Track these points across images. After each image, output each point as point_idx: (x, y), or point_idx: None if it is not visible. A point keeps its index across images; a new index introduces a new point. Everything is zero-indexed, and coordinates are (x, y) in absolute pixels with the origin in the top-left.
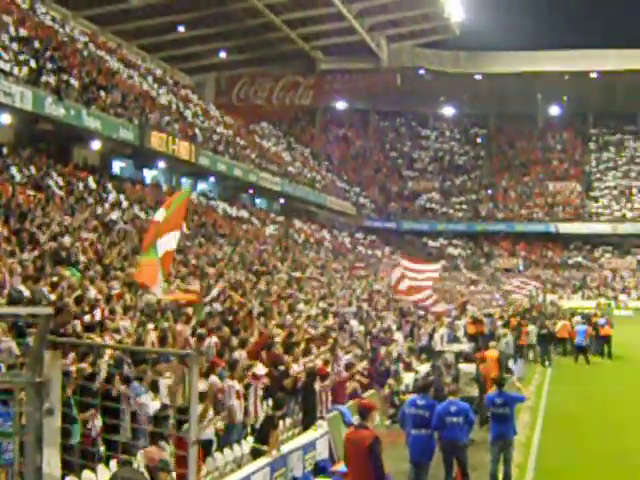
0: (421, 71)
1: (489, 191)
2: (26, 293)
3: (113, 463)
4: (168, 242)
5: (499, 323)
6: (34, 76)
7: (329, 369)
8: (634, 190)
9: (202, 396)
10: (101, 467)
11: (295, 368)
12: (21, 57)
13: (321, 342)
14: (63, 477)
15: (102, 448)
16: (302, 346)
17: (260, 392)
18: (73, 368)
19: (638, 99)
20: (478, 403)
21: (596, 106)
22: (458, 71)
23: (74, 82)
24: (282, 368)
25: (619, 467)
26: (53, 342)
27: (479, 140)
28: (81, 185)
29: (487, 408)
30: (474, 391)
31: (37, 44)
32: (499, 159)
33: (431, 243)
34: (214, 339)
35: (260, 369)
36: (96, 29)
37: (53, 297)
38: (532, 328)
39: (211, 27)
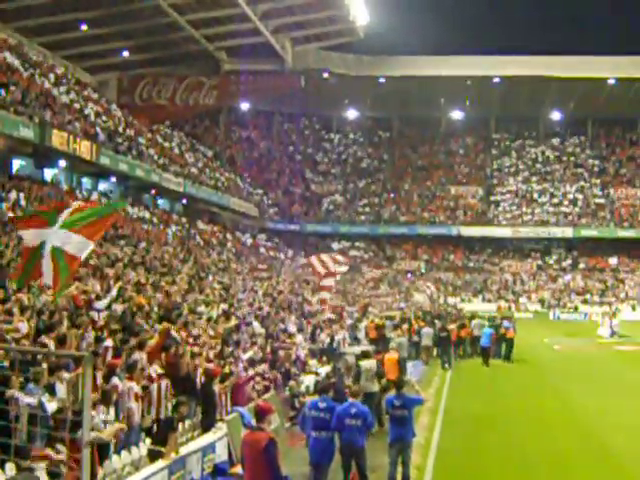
0: (325, 74)
1: (392, 194)
2: None
3: (8, 466)
4: (85, 247)
5: (388, 324)
6: None
7: (227, 370)
8: (534, 195)
9: (105, 397)
10: None
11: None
12: None
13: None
14: None
15: None
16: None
17: (155, 394)
18: None
19: (539, 105)
20: (379, 401)
21: (498, 111)
22: (362, 74)
23: None
24: (182, 370)
25: (514, 466)
26: None
27: (383, 143)
28: None
29: (386, 410)
30: (375, 387)
31: None
32: (402, 162)
33: (334, 245)
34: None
35: (157, 370)
36: None
37: None
38: (428, 330)
39: (114, 26)
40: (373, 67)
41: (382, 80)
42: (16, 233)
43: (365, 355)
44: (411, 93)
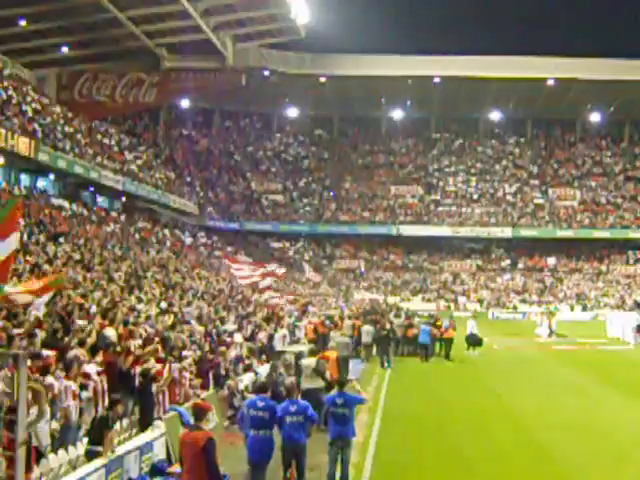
0: (266, 72)
1: (332, 193)
2: None
3: None
4: (9, 244)
5: (328, 323)
6: None
7: (166, 370)
8: (474, 195)
9: (34, 396)
10: None
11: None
12: None
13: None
14: None
15: None
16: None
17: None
18: None
19: (479, 105)
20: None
21: (438, 111)
22: (303, 72)
23: None
24: (120, 367)
25: (453, 465)
26: None
27: (323, 142)
28: None
29: (327, 407)
30: (319, 382)
31: None
32: (343, 162)
33: (274, 244)
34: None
35: (91, 368)
36: None
37: None
38: (367, 328)
39: (54, 21)
40: (314, 66)
41: (323, 79)
42: None
43: (311, 352)
44: (352, 92)
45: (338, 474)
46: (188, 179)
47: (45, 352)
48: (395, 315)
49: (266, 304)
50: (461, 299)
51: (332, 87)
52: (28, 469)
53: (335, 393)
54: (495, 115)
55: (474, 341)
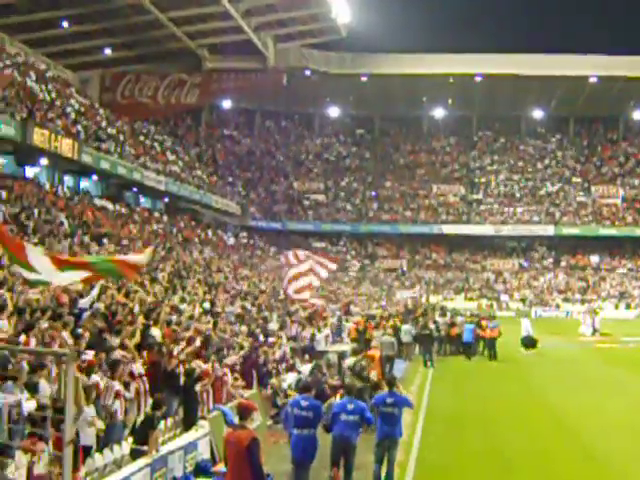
0: (307, 72)
1: (374, 193)
2: None
3: None
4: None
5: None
6: None
7: (210, 369)
8: (516, 193)
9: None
10: None
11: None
12: None
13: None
14: None
15: None
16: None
17: (135, 392)
18: None
19: (521, 103)
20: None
21: (480, 109)
22: (344, 72)
23: None
24: (164, 367)
25: (495, 465)
26: None
27: (365, 142)
28: None
29: (375, 407)
30: (362, 382)
31: None
32: (384, 161)
33: (316, 244)
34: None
35: (136, 368)
36: None
37: None
38: (407, 327)
39: (96, 23)
40: (355, 65)
41: (364, 78)
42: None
43: (354, 352)
44: (393, 91)
45: (382, 474)
46: (230, 179)
47: (89, 352)
48: (441, 314)
49: (304, 304)
50: (503, 298)
51: (373, 86)
52: (75, 468)
53: (385, 392)
54: (537, 113)
55: (530, 342)
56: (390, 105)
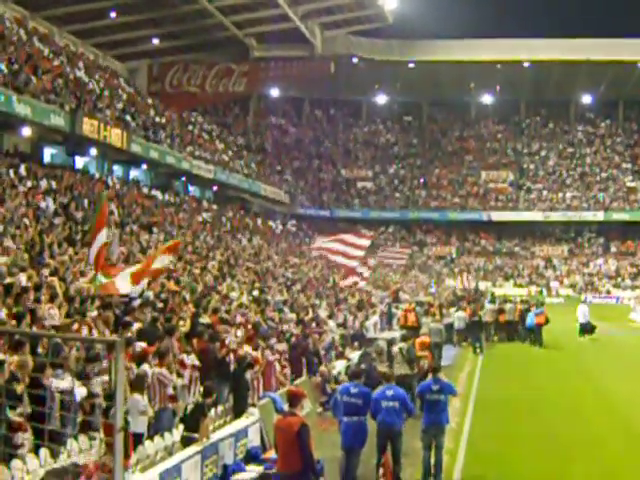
0: (355, 59)
1: (422, 179)
2: None
3: (42, 452)
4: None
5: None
6: None
7: (259, 357)
8: (566, 179)
9: (139, 383)
10: (30, 456)
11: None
12: None
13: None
14: None
15: (30, 437)
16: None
17: (188, 380)
18: (9, 359)
19: (570, 89)
20: (412, 385)
21: (528, 95)
22: (391, 59)
23: (3, 68)
24: (214, 355)
25: (547, 452)
26: None
27: (412, 128)
28: (12, 172)
29: (420, 395)
30: (407, 370)
31: None
32: (432, 147)
33: (364, 231)
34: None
35: (188, 357)
36: (27, 14)
37: None
38: (459, 314)
39: (144, 13)
40: (402, 52)
41: (412, 65)
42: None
43: (403, 339)
44: (441, 77)
45: (432, 460)
46: (278, 167)
47: (139, 343)
48: (490, 301)
49: (349, 286)
50: (553, 284)
51: (421, 73)
52: (126, 455)
53: (430, 379)
54: (586, 98)
55: (588, 328)
56: (438, 91)
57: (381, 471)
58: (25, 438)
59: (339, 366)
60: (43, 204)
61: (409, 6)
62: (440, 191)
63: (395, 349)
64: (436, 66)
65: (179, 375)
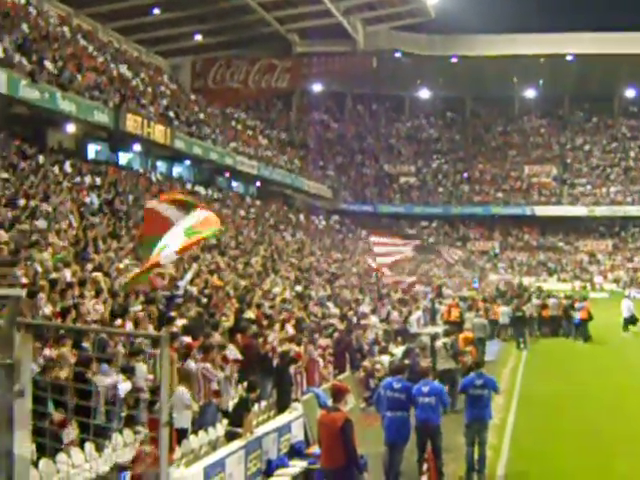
0: (397, 54)
1: (465, 174)
2: None
3: (88, 446)
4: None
5: (462, 304)
6: (8, 58)
7: (302, 351)
8: (610, 174)
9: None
10: (76, 450)
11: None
12: None
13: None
14: (37, 460)
15: (75, 431)
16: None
17: (234, 374)
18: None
19: (613, 83)
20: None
21: (572, 89)
22: (434, 54)
23: (49, 65)
24: (258, 350)
25: (590, 448)
26: (24, 324)
27: (455, 123)
28: (56, 168)
29: (464, 390)
30: (454, 363)
31: (11, 26)
32: (475, 142)
33: (407, 226)
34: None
35: (232, 352)
36: (70, 11)
37: (25, 280)
38: (504, 309)
39: (187, 10)
40: (445, 46)
41: (454, 60)
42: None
43: (446, 334)
44: (484, 72)
45: (475, 456)
46: (321, 163)
47: (185, 338)
48: (535, 296)
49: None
50: (597, 279)
51: (463, 68)
52: (170, 449)
53: (473, 374)
54: (630, 92)
55: (633, 322)
56: (480, 86)
57: (425, 466)
58: (69, 434)
59: (383, 361)
60: (88, 200)
61: (451, 0)
62: (483, 186)
63: (439, 344)
64: (479, 61)
65: (222, 369)
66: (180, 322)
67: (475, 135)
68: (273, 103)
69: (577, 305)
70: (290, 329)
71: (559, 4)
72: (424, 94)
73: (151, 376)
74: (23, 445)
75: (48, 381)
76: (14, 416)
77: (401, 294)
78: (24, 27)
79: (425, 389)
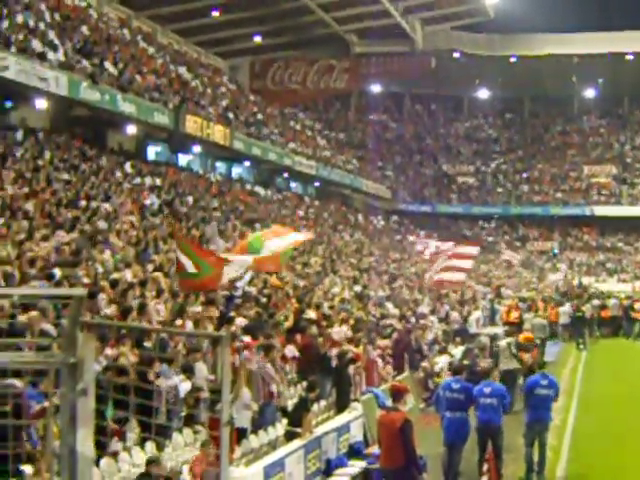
0: (456, 54)
1: (524, 174)
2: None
3: (149, 445)
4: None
5: (522, 305)
6: (69, 61)
7: (362, 352)
8: None
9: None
10: (137, 449)
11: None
12: (56, 42)
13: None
14: (98, 458)
15: (137, 429)
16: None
17: (292, 374)
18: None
19: None
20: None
21: (632, 89)
22: (493, 54)
23: (109, 67)
24: (317, 350)
25: None
26: (87, 324)
27: (514, 123)
28: (117, 170)
29: (529, 390)
30: (516, 364)
31: (71, 29)
32: (534, 142)
33: (466, 226)
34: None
35: (290, 351)
36: (130, 14)
37: (86, 280)
38: (564, 309)
39: (245, 11)
40: (504, 46)
41: (513, 59)
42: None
43: (507, 334)
44: (542, 72)
45: (535, 457)
46: (379, 163)
47: (244, 338)
48: (596, 297)
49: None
50: None
51: (522, 67)
52: (230, 449)
53: (539, 375)
54: None
55: None
56: (539, 86)
57: (485, 467)
58: (118, 444)
59: (442, 362)
60: (148, 201)
61: (510, 0)
62: (542, 186)
63: (503, 344)
64: (537, 60)
65: (282, 369)
66: (240, 321)
67: (534, 135)
68: (331, 103)
69: (637, 306)
70: (347, 331)
71: (618, 2)
72: (483, 94)
73: (212, 376)
74: (86, 444)
75: (110, 380)
76: (77, 414)
77: (458, 296)
78: (84, 30)
79: (487, 390)
